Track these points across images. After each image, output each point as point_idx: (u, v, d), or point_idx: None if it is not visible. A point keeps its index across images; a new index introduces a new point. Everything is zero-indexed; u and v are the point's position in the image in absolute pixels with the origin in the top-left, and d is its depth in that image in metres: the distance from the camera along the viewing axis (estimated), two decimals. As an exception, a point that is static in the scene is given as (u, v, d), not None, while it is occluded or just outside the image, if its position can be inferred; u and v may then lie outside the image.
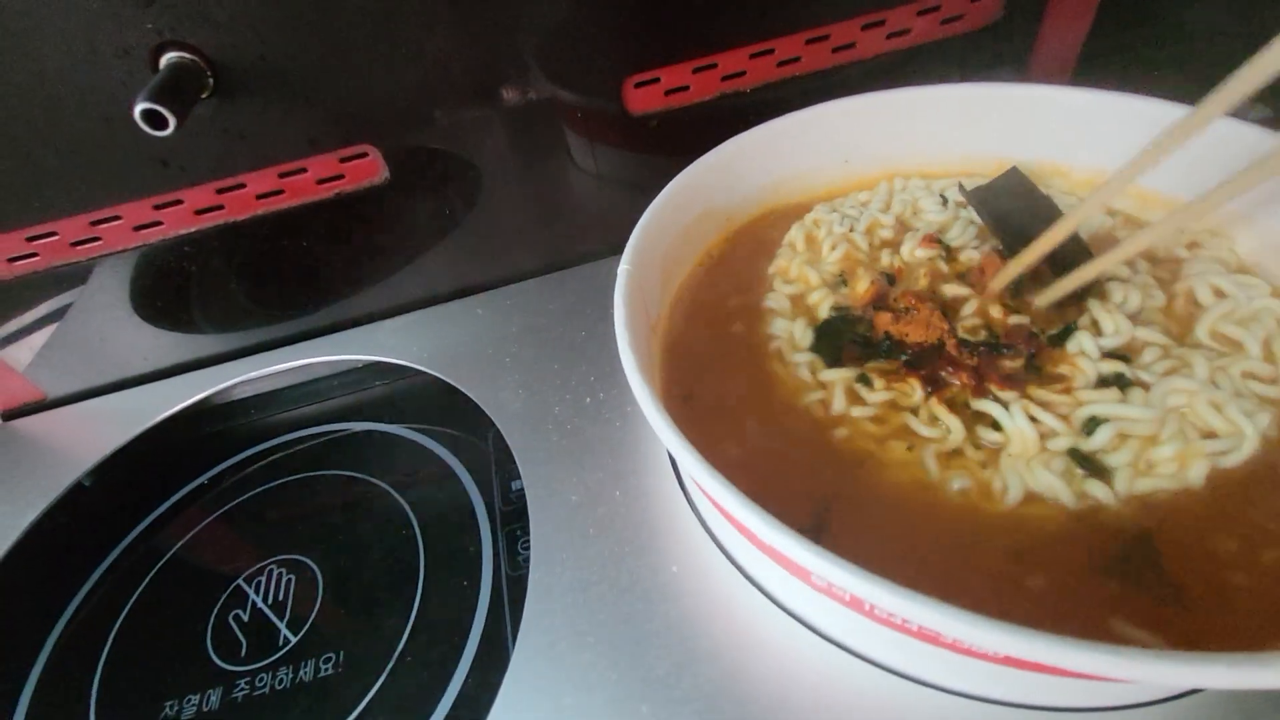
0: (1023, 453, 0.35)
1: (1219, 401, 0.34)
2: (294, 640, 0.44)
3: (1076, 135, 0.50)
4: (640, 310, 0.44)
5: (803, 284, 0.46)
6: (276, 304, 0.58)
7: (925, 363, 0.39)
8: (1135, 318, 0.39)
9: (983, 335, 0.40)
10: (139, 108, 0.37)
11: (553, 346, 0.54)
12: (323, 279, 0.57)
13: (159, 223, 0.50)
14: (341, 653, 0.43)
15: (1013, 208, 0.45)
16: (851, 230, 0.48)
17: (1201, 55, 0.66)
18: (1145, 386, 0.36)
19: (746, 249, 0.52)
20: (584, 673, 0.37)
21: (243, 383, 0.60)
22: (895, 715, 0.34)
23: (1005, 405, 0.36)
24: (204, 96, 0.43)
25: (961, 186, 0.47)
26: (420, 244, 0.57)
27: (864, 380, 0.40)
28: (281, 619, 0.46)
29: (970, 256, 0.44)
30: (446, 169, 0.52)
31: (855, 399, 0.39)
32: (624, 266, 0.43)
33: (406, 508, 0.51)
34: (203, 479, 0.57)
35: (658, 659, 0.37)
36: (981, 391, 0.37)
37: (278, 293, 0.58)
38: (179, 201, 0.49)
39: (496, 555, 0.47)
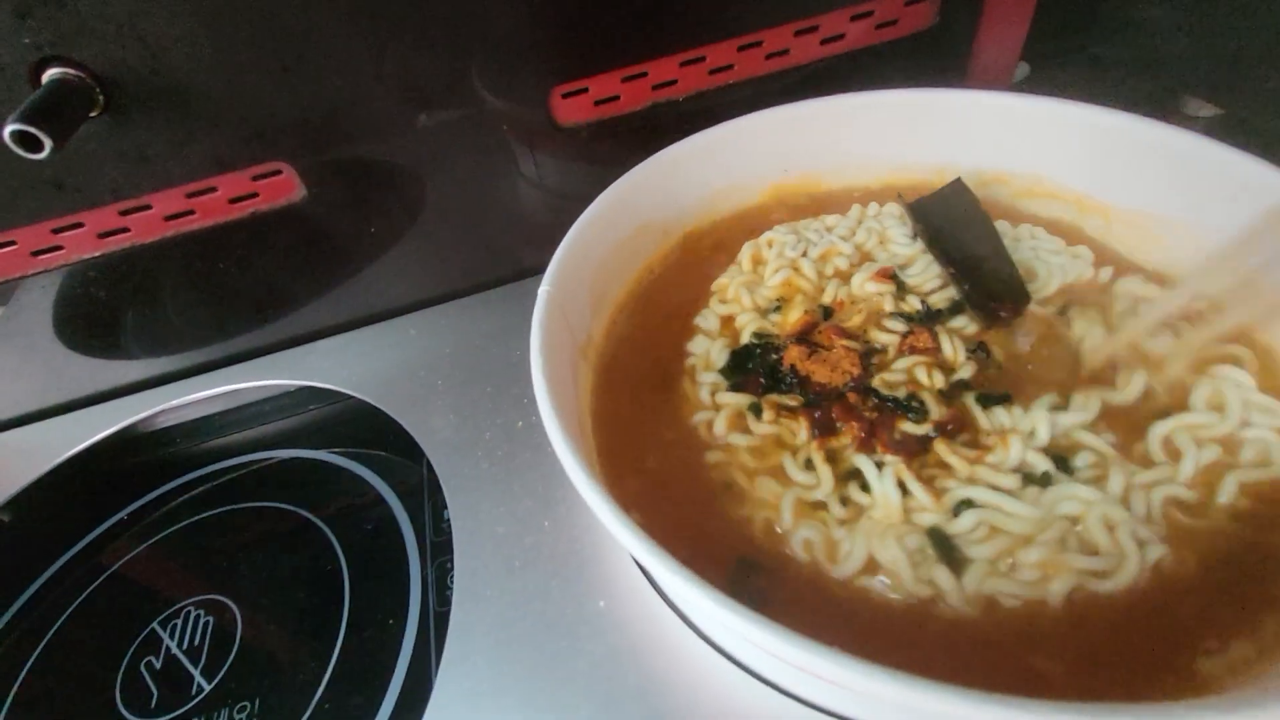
0: (884, 519, 0.33)
1: (1114, 521, 0.31)
2: (208, 688, 0.42)
3: (1016, 141, 0.50)
4: (563, 332, 0.42)
5: (736, 305, 0.44)
6: (200, 328, 0.56)
7: (823, 406, 0.38)
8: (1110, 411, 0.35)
9: (901, 391, 0.37)
10: (8, 129, 0.34)
11: (486, 368, 0.52)
12: (247, 301, 0.55)
13: (59, 247, 0.47)
14: (257, 701, 0.41)
15: (949, 222, 0.44)
16: (804, 254, 0.46)
17: (1152, 51, 0.65)
18: (1043, 485, 0.33)
19: (688, 264, 0.51)
20: (507, 718, 0.35)
21: (167, 410, 0.57)
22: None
23: (880, 466, 0.34)
24: (94, 115, 0.40)
25: (900, 198, 0.46)
26: (348, 263, 0.54)
27: (755, 410, 0.38)
28: (196, 665, 0.43)
29: (914, 303, 0.42)
30: (369, 186, 0.50)
31: (740, 426, 0.38)
32: (544, 288, 0.41)
33: (335, 541, 0.49)
34: (123, 514, 0.54)
35: (581, 701, 0.35)
36: (866, 447, 0.35)
37: (200, 316, 0.55)
38: (79, 225, 0.46)
39: (425, 590, 0.45)
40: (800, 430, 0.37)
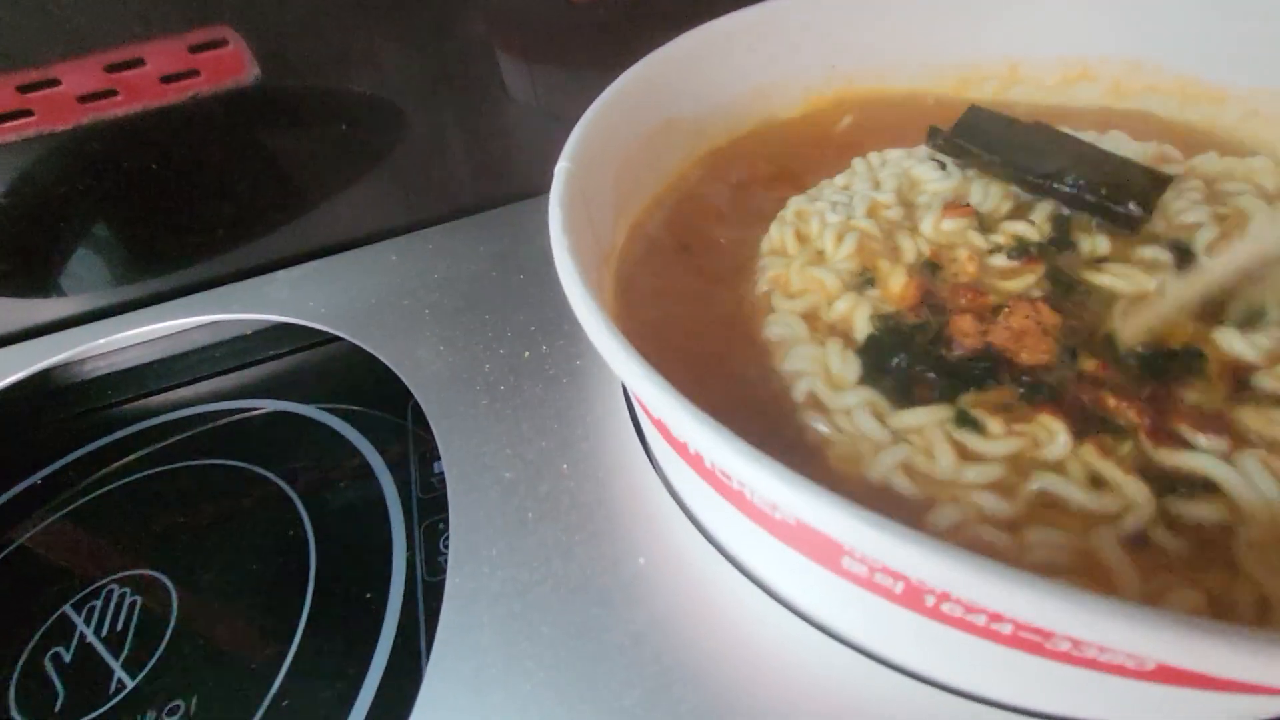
0: (1265, 539, 0.22)
1: None
2: (130, 685, 0.33)
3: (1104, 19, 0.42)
4: (585, 228, 0.34)
5: (816, 292, 0.32)
6: (132, 251, 0.46)
7: (1063, 392, 0.26)
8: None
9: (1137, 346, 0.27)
10: None
11: (483, 294, 0.43)
12: (191, 217, 0.45)
13: (-61, 135, 0.37)
14: (194, 699, 0.32)
15: (1002, 149, 0.35)
16: (850, 218, 0.35)
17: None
18: None
19: (732, 181, 0.42)
20: (521, 710, 0.26)
21: (94, 355, 0.47)
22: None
23: (1225, 458, 0.23)
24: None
25: (936, 131, 0.37)
26: (315, 171, 0.45)
27: (966, 421, 0.26)
28: (117, 656, 0.34)
29: (1016, 228, 0.32)
30: (340, 69, 0.41)
31: (960, 453, 0.25)
32: (563, 164, 0.32)
33: (298, 502, 0.40)
34: (35, 478, 0.44)
35: (623, 684, 0.27)
36: (1165, 436, 0.24)
37: (133, 236, 0.46)
38: (-35, 105, 0.37)
39: (412, 557, 0.36)
40: (1057, 433, 0.25)
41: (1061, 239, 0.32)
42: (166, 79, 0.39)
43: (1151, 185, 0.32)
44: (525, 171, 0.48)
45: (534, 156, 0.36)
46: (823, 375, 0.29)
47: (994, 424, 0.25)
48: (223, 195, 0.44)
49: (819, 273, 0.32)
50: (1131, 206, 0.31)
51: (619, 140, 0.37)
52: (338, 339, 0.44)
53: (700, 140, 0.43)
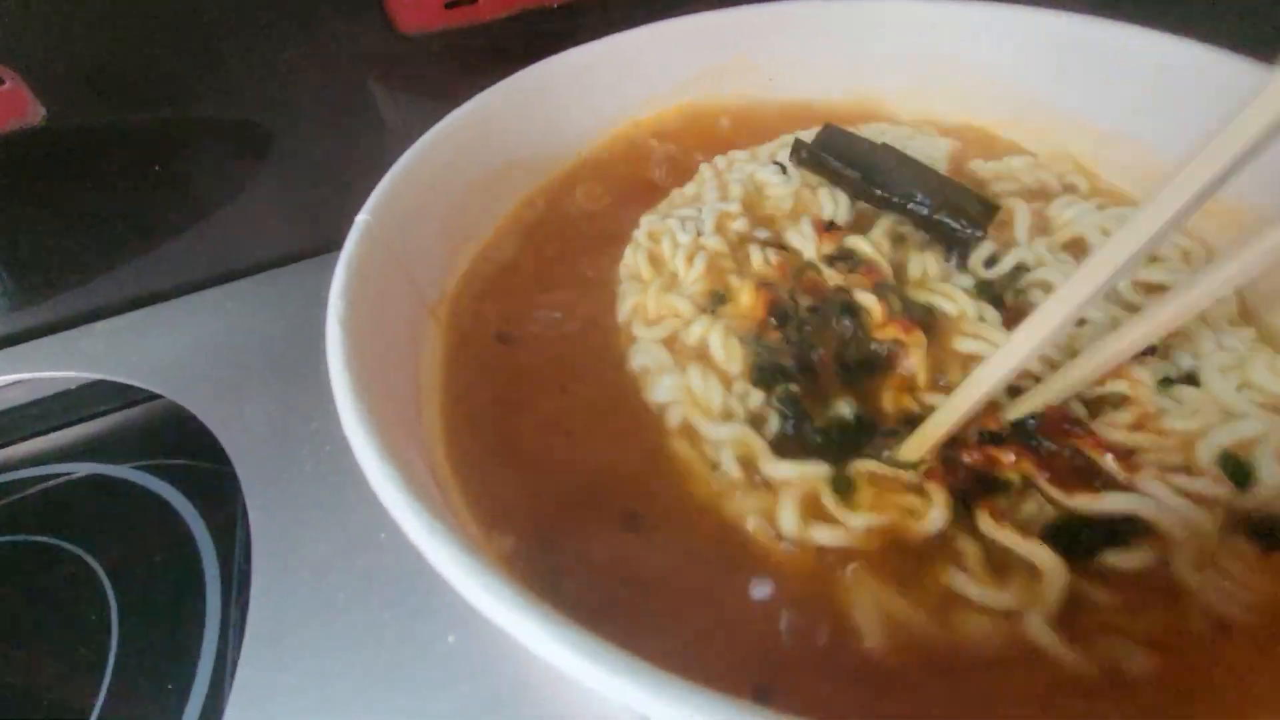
0: (1198, 554, 0.22)
1: (1274, 362, 0.26)
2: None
3: (916, 51, 0.43)
4: (399, 282, 0.32)
5: (672, 320, 0.32)
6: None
7: (953, 460, 0.25)
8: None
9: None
10: None
11: (317, 345, 0.40)
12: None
13: None
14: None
15: (851, 163, 0.36)
16: (699, 235, 0.35)
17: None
18: (1187, 380, 0.26)
19: (581, 205, 0.41)
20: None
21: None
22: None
23: (1128, 483, 0.23)
24: None
25: (800, 144, 0.37)
26: (129, 215, 0.41)
27: (841, 485, 0.25)
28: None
29: (856, 242, 0.33)
30: (144, 109, 0.38)
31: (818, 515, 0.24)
32: (363, 217, 0.30)
33: (105, 582, 0.36)
34: None
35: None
36: (1073, 480, 0.24)
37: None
38: None
39: (225, 640, 0.33)
40: (933, 504, 0.24)
41: (896, 256, 0.33)
42: (-70, 120, 0.35)
43: (983, 212, 0.33)
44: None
45: (365, 199, 0.34)
46: (694, 403, 0.28)
47: (866, 493, 0.24)
48: (17, 241, 0.40)
49: (673, 299, 0.32)
50: (968, 228, 0.33)
51: (447, 183, 0.36)
52: (159, 397, 0.40)
53: (546, 174, 0.42)
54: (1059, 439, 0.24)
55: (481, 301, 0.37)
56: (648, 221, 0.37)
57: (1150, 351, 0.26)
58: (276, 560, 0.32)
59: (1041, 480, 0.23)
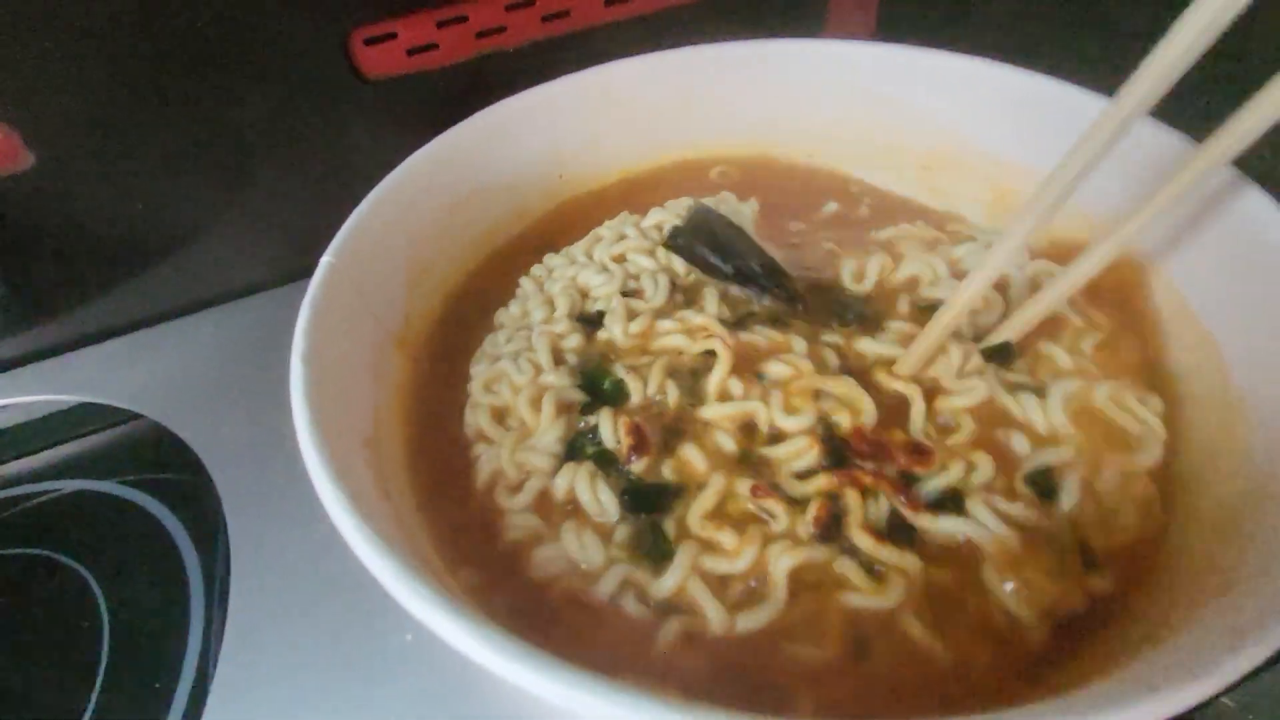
0: (1005, 565, 0.26)
1: (1118, 394, 0.30)
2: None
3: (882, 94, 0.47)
4: (361, 317, 0.35)
5: (536, 474, 0.31)
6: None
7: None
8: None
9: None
10: None
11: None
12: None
13: None
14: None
15: (721, 236, 0.38)
16: (538, 373, 0.33)
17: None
18: (1036, 392, 0.30)
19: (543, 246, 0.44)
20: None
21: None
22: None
23: (964, 512, 0.27)
24: None
25: (677, 231, 0.39)
26: (113, 250, 0.44)
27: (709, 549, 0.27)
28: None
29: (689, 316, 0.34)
30: (126, 154, 0.41)
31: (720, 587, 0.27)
32: (327, 259, 0.34)
33: (96, 590, 0.39)
34: None
35: (378, 763, 0.28)
36: (904, 489, 0.28)
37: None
38: None
39: (207, 642, 0.36)
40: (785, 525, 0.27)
41: (735, 317, 0.35)
42: (-71, 168, 0.37)
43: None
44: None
45: (335, 232, 0.37)
46: (577, 571, 0.28)
47: (728, 538, 0.27)
48: (14, 276, 0.43)
49: (528, 456, 0.31)
50: (794, 297, 0.36)
51: (408, 221, 0.39)
52: (143, 418, 0.43)
53: (504, 203, 0.45)
54: (874, 455, 0.28)
55: (444, 330, 0.40)
56: (478, 373, 0.36)
57: (1003, 356, 0.31)
58: (253, 566, 0.35)
59: (897, 500, 0.27)
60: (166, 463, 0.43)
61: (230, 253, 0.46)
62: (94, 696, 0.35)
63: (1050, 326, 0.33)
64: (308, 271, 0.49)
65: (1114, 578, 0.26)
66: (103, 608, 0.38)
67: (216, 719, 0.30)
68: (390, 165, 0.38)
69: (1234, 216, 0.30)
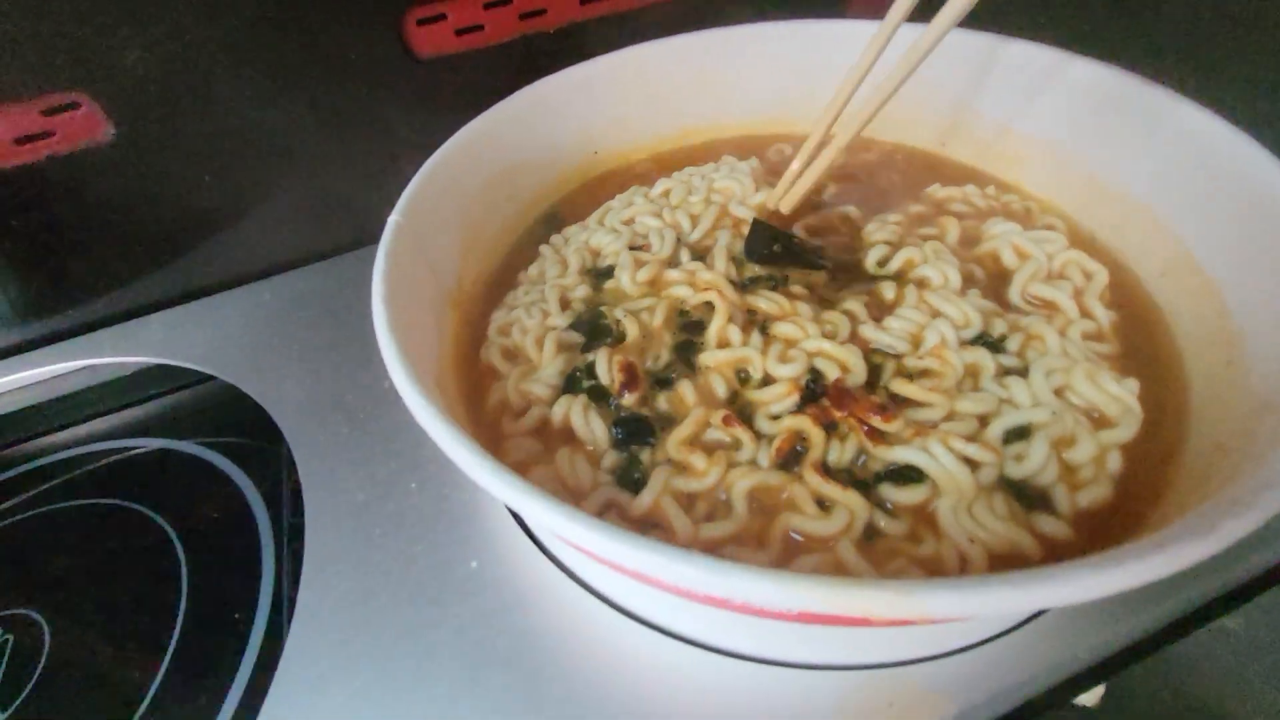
0: (959, 503, 0.28)
1: (1094, 374, 0.31)
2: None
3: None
4: (423, 274, 0.38)
5: (537, 404, 0.34)
6: (10, 299, 0.47)
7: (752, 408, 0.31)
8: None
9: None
10: None
11: (350, 329, 0.47)
12: (59, 267, 0.47)
13: None
14: (62, 725, 0.34)
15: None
16: (546, 317, 0.37)
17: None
18: (1021, 373, 0.31)
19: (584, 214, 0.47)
20: (354, 709, 0.30)
21: (-32, 404, 0.48)
22: (744, 697, 0.30)
23: (922, 448, 0.29)
24: None
25: (755, 244, 0.39)
26: (182, 220, 0.48)
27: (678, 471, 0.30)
28: (-12, 693, 0.36)
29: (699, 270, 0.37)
30: (196, 125, 0.44)
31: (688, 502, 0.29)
32: (395, 218, 0.36)
33: (173, 535, 0.42)
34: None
35: (444, 671, 0.31)
36: (875, 434, 0.29)
37: (9, 285, 0.47)
38: None
39: (280, 578, 0.39)
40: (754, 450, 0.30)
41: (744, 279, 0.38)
42: (20, 140, 0.41)
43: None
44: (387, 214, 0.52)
45: (395, 200, 0.40)
46: (567, 491, 0.31)
47: (699, 459, 0.30)
48: (88, 246, 0.46)
49: (530, 385, 0.34)
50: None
51: (462, 188, 0.41)
52: (213, 378, 0.46)
53: (557, 184, 0.48)
54: (842, 405, 0.30)
55: (490, 293, 0.43)
56: (496, 318, 0.39)
57: (989, 345, 0.32)
58: (322, 505, 0.38)
59: (860, 433, 0.29)
60: (235, 420, 0.46)
61: (287, 224, 0.49)
62: (177, 629, 0.38)
63: (1047, 314, 0.34)
64: (358, 244, 0.52)
65: (1075, 529, 0.27)
66: (180, 554, 0.41)
67: (301, 641, 0.33)
68: (437, 143, 0.41)
69: (1234, 167, 0.33)
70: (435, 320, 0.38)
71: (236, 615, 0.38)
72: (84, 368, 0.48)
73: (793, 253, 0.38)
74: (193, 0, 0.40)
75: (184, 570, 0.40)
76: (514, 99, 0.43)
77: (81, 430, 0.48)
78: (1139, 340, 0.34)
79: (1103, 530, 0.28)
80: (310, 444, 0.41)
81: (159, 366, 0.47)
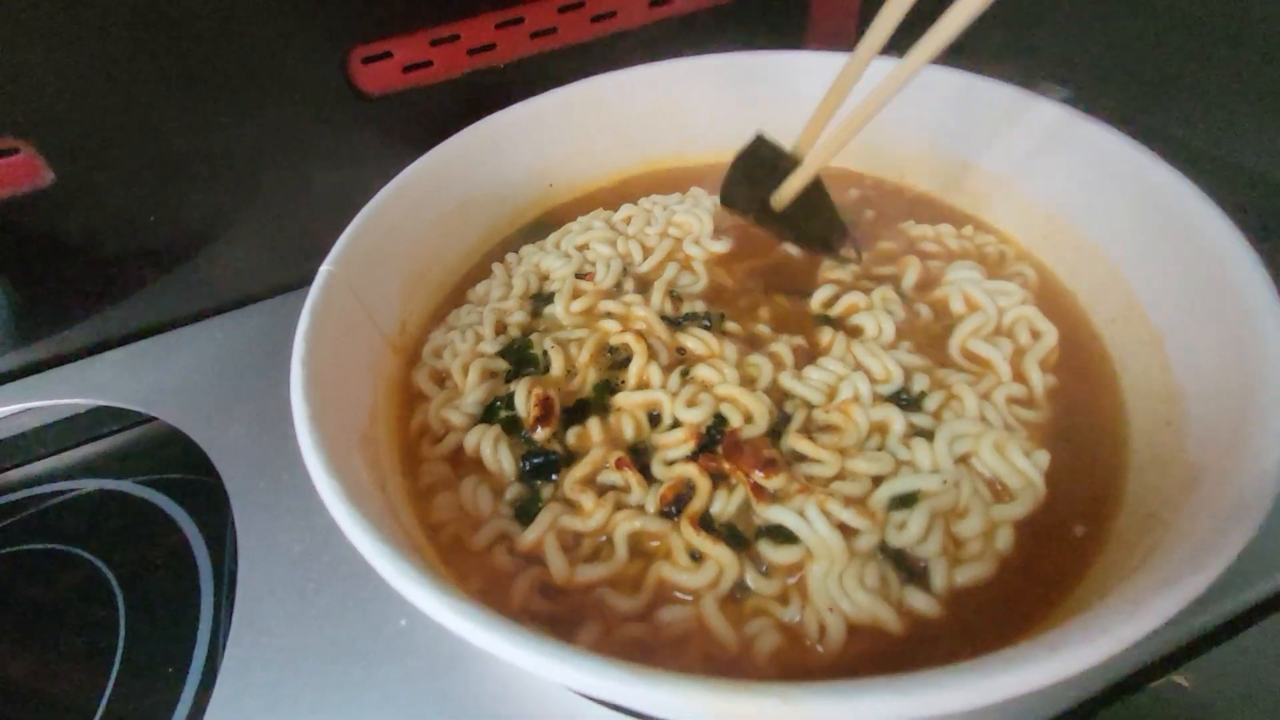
0: (831, 569, 0.27)
1: (1001, 443, 0.29)
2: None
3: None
4: (359, 321, 0.37)
5: (453, 435, 0.35)
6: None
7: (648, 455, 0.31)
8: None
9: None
10: None
11: (296, 369, 0.46)
12: (4, 309, 0.46)
13: None
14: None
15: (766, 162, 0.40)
16: (477, 344, 0.38)
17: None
18: (929, 436, 0.30)
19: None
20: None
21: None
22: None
23: (799, 513, 0.28)
24: None
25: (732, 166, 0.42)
26: (128, 261, 0.47)
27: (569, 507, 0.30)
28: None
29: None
30: (138, 169, 0.43)
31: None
32: (326, 268, 0.36)
33: (113, 581, 0.42)
34: None
35: (372, 738, 0.30)
36: (759, 490, 0.29)
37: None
38: None
39: (216, 628, 0.38)
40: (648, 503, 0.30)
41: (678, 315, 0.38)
42: (-45, 186, 0.40)
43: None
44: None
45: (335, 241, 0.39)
46: (465, 519, 0.31)
47: (588, 500, 0.30)
48: (31, 287, 0.46)
49: (448, 413, 0.35)
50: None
51: (403, 230, 0.41)
52: (157, 420, 0.45)
53: (495, 211, 0.47)
54: (731, 456, 0.30)
55: (431, 331, 0.42)
56: (433, 337, 0.39)
57: (905, 403, 0.32)
58: (257, 557, 0.37)
59: (746, 486, 0.29)
60: (178, 463, 0.45)
61: (237, 261, 0.49)
62: (111, 680, 0.37)
63: (978, 373, 0.34)
64: (311, 280, 0.51)
65: (946, 606, 0.26)
66: (119, 597, 0.41)
67: (225, 700, 0.32)
68: (388, 176, 0.40)
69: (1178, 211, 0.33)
70: (372, 370, 0.37)
71: (170, 669, 0.37)
72: (25, 410, 0.47)
73: (768, 214, 0.38)
74: (136, 46, 0.39)
75: (122, 617, 0.40)
76: (461, 136, 0.43)
77: (15, 475, 0.48)
78: (1082, 393, 0.34)
79: (988, 609, 0.27)
80: (250, 491, 0.40)
81: (104, 409, 0.47)
